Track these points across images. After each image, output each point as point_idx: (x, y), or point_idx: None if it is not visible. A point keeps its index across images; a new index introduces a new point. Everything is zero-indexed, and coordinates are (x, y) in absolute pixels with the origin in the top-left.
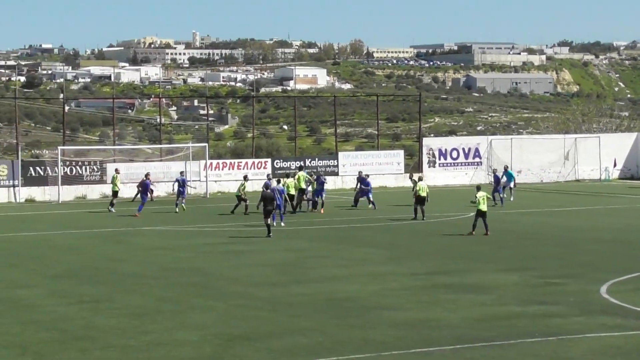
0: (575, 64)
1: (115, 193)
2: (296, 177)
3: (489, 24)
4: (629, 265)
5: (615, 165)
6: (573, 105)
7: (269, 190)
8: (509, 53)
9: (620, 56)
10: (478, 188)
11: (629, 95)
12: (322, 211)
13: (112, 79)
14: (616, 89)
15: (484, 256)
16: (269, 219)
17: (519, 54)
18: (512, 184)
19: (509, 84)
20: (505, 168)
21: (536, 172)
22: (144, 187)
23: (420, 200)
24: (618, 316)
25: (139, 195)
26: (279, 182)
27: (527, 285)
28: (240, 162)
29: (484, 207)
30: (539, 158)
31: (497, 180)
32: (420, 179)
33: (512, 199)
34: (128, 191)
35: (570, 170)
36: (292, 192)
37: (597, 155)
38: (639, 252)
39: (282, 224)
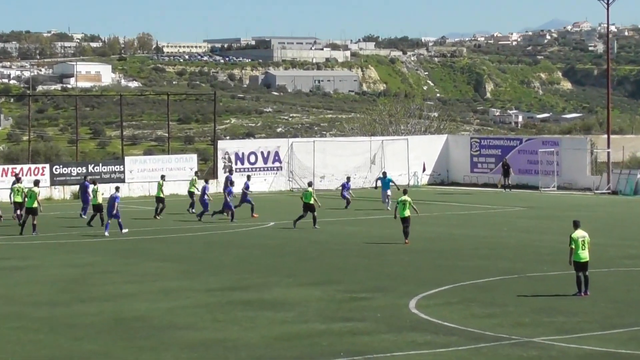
0: (382, 61)
1: None
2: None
3: (289, 17)
4: (439, 277)
5: (424, 169)
6: (380, 105)
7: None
8: (311, 49)
9: (430, 53)
10: (405, 192)
11: (438, 95)
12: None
13: None
14: (425, 87)
15: (285, 269)
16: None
17: (322, 49)
18: (388, 191)
19: (311, 82)
20: (384, 175)
21: (340, 177)
22: None
23: (308, 208)
24: (428, 332)
25: None
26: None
27: (332, 301)
28: (15, 168)
29: (406, 212)
30: (343, 162)
31: (344, 187)
32: (310, 184)
33: (388, 207)
34: None
35: (377, 175)
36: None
37: (406, 159)
38: (450, 263)
39: (106, 234)
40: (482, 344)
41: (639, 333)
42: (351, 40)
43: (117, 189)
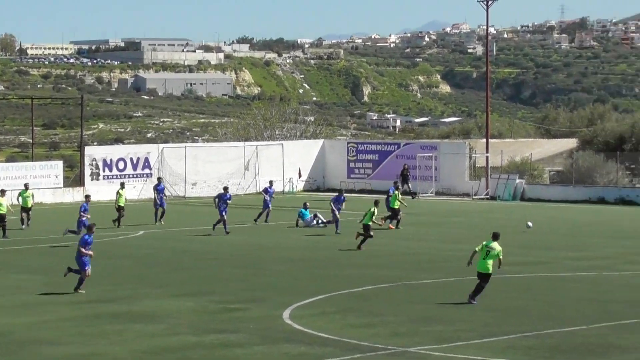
0: (257, 63)
1: None
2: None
3: (160, 18)
4: (315, 287)
5: (300, 175)
6: (254, 109)
7: None
8: (183, 50)
9: (306, 55)
10: (376, 203)
11: (314, 98)
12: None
13: None
14: (301, 90)
15: (156, 280)
16: None
17: (194, 51)
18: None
19: (183, 85)
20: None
21: (213, 184)
22: None
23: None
24: (302, 343)
25: None
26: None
27: (204, 312)
28: None
29: (367, 220)
30: (216, 168)
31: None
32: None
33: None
34: None
35: (251, 181)
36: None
37: (281, 165)
38: (327, 272)
39: None
40: (357, 354)
41: (517, 341)
42: (225, 42)
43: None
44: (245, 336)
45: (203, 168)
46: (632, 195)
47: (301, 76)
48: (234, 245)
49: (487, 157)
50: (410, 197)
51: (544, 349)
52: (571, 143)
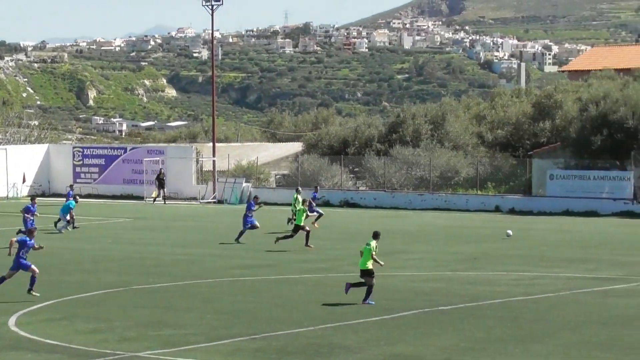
0: None
1: None
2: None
3: None
4: (41, 293)
5: (24, 180)
6: None
7: None
8: None
9: (29, 58)
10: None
11: (38, 102)
12: None
13: None
14: (25, 94)
15: None
16: None
17: None
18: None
19: None
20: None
21: None
22: None
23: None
24: (29, 351)
25: None
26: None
27: None
28: None
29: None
30: None
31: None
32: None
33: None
34: None
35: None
36: None
37: (4, 170)
38: (54, 278)
39: None
40: None
41: (245, 344)
42: None
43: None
44: None
45: None
46: (356, 197)
47: (24, 80)
48: None
49: (213, 161)
50: (163, 202)
51: (271, 350)
52: (297, 147)
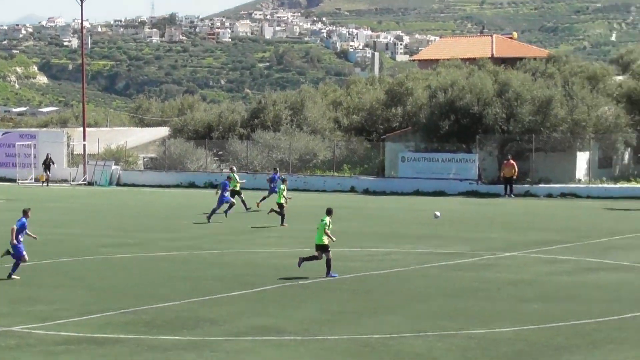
0: None
1: None
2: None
3: None
4: None
5: None
6: None
7: None
8: None
9: None
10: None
11: None
12: None
13: None
14: None
15: None
16: None
17: None
18: None
19: None
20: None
21: None
22: None
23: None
24: None
25: None
26: None
27: None
28: None
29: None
30: None
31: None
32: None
33: None
34: None
35: None
36: None
37: None
38: None
39: None
40: None
41: (115, 317)
42: None
43: None
44: None
45: None
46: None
47: None
48: None
49: (84, 145)
50: (45, 184)
51: (140, 323)
52: (163, 131)
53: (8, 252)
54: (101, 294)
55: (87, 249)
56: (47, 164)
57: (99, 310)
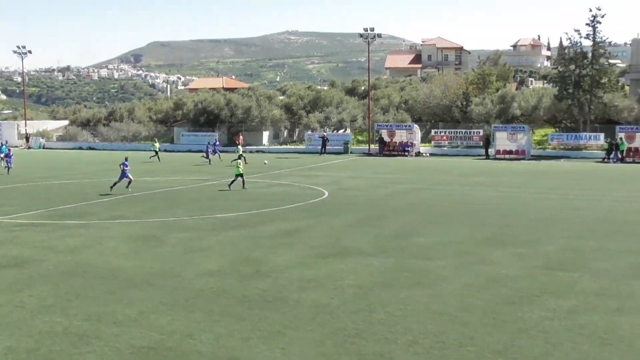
0: None
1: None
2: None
3: None
4: None
5: None
6: None
7: None
8: None
9: None
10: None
11: None
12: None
13: None
14: None
15: None
16: None
17: None
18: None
19: None
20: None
21: None
22: None
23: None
24: None
25: None
26: None
27: None
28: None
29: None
30: None
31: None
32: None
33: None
34: None
35: None
36: None
37: None
38: None
39: None
40: None
41: (43, 213)
42: None
43: None
44: None
45: None
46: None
47: None
48: None
49: (26, 129)
50: (28, 149)
51: (55, 216)
52: (65, 122)
53: None
54: (37, 202)
55: (31, 179)
56: (27, 138)
57: (34, 209)
